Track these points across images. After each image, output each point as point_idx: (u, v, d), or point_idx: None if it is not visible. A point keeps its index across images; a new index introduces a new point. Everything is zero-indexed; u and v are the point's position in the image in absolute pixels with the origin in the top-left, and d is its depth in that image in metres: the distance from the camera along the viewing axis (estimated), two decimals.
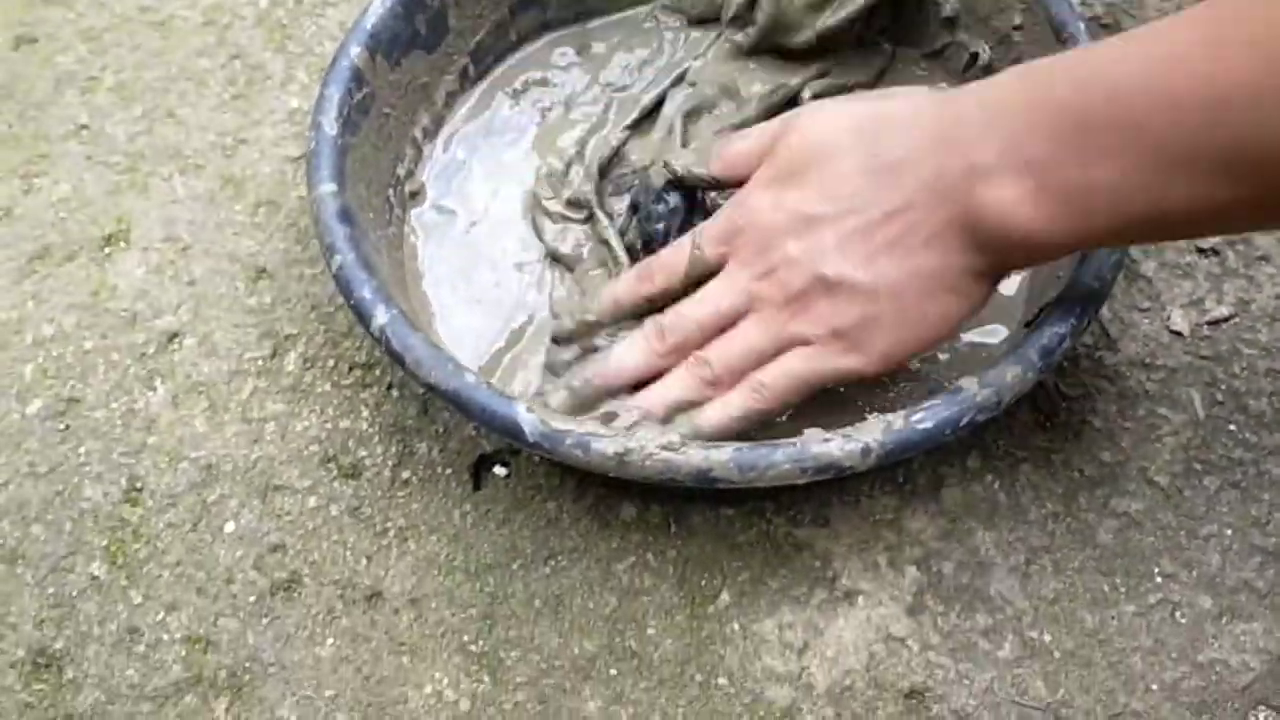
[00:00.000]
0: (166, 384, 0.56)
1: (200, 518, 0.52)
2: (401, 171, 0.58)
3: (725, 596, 0.50)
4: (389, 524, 0.52)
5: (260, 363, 0.56)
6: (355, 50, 0.55)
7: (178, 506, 0.53)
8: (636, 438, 0.44)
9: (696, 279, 0.49)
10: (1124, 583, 0.50)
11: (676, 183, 0.52)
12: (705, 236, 0.48)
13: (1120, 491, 0.52)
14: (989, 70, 0.58)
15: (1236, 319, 0.56)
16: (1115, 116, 0.38)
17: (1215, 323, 0.56)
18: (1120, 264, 0.47)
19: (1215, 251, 0.58)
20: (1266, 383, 0.54)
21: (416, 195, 0.59)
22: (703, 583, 0.50)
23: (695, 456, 0.43)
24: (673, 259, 0.49)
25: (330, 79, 0.54)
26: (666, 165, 0.53)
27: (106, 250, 0.60)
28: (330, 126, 0.52)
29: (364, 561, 0.51)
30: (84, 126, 0.65)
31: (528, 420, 0.44)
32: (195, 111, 0.65)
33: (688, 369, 0.47)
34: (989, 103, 0.42)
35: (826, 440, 0.43)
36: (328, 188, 0.50)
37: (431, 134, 0.61)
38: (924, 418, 0.44)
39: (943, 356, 0.53)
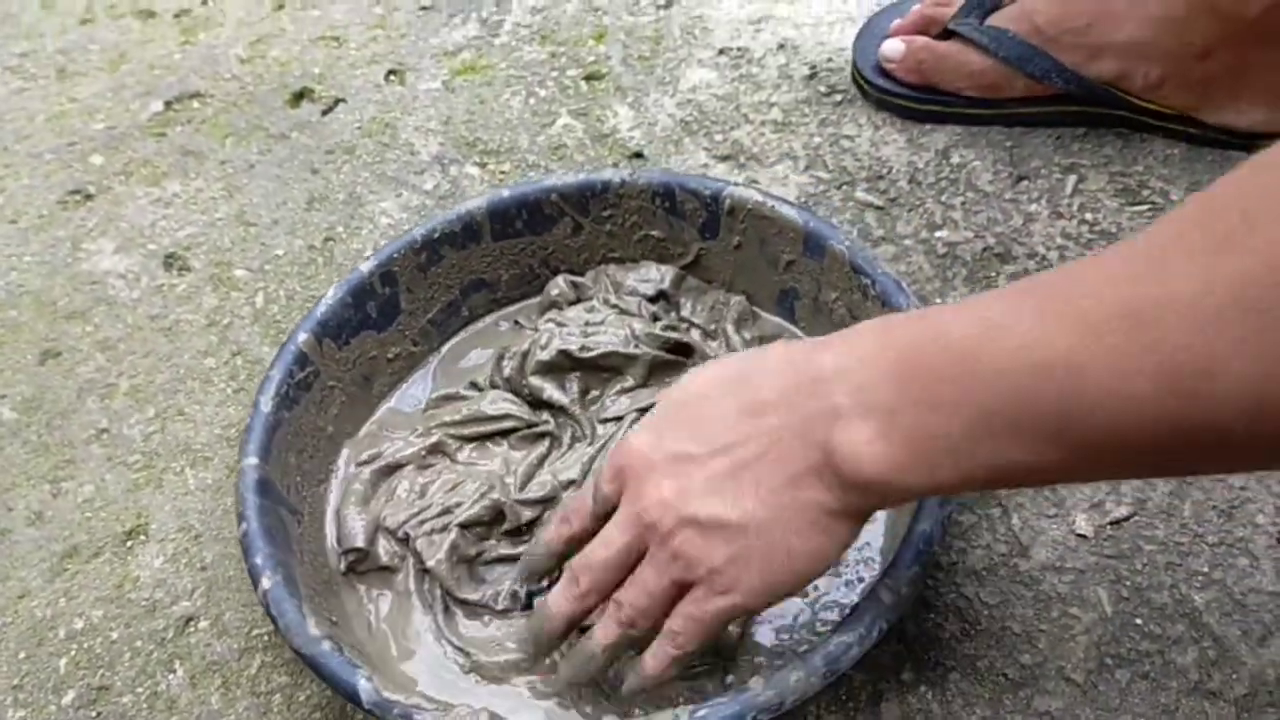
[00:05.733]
0: (184, 665, 0.63)
1: None
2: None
3: None
4: None
5: (266, 638, 0.63)
6: (302, 337, 0.63)
7: None
8: (452, 714, 0.50)
9: (605, 515, 0.52)
10: None
11: None
12: (601, 475, 0.52)
13: (1041, 691, 0.57)
14: None
15: (1136, 517, 0.63)
16: (947, 371, 0.41)
17: (1116, 523, 0.62)
18: (919, 578, 0.52)
19: None
20: (1166, 576, 0.60)
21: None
22: None
23: None
24: (582, 502, 0.54)
25: (276, 361, 0.62)
26: None
27: (128, 544, 0.68)
28: (266, 404, 0.61)
29: None
30: (104, 430, 0.73)
31: (365, 689, 0.51)
32: (203, 408, 0.74)
33: (609, 614, 0.51)
34: (847, 349, 0.45)
35: None
36: (250, 461, 0.59)
37: (381, 396, 0.69)
38: (707, 715, 0.48)
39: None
